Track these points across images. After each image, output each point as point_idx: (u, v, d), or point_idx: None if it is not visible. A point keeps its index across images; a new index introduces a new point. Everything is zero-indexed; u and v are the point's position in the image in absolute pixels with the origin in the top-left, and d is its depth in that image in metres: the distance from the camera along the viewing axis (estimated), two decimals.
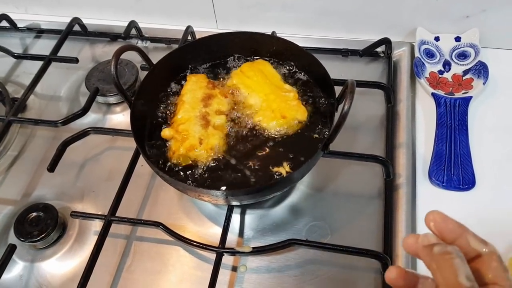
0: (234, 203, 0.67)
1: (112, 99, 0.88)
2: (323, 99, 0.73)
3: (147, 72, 0.73)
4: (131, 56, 0.90)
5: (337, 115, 0.62)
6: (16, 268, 0.70)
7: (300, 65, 0.76)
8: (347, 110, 0.57)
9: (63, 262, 0.70)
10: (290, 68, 0.77)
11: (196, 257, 0.69)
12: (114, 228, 0.70)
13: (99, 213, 0.72)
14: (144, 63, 0.75)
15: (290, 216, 0.72)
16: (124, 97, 0.68)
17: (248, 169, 0.65)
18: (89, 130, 0.77)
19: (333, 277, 0.66)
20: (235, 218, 0.72)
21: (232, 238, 0.70)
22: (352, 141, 0.78)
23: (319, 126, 0.70)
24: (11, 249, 0.67)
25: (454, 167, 0.73)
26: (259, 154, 0.67)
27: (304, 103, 0.72)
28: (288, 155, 0.67)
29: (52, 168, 0.73)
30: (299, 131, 0.69)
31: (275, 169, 0.64)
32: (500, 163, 0.74)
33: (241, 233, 0.71)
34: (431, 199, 0.72)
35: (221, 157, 0.66)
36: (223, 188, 0.63)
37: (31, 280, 0.69)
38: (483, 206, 0.71)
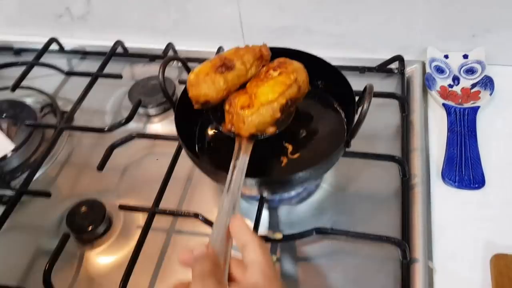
0: (265, 193, 0.73)
1: (152, 111, 0.97)
2: (345, 108, 0.80)
3: None
4: (169, 73, 1.00)
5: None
6: (67, 257, 0.76)
7: (323, 78, 0.84)
8: (366, 108, 0.64)
9: (110, 253, 0.77)
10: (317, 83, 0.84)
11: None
12: (156, 222, 0.76)
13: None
14: (181, 78, 0.84)
15: (314, 212, 0.78)
16: (169, 101, 0.76)
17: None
18: (134, 135, 0.87)
19: (356, 265, 0.71)
20: (264, 213, 0.78)
21: (262, 231, 0.76)
22: (371, 146, 0.85)
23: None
24: (65, 237, 0.74)
25: (465, 168, 0.80)
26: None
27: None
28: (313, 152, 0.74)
29: (101, 167, 0.82)
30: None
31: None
32: (507, 165, 0.81)
33: (270, 226, 0.77)
34: (445, 196, 0.78)
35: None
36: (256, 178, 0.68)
37: (81, 269, 0.75)
38: (492, 202, 0.76)
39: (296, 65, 0.72)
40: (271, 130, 0.69)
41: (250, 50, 0.72)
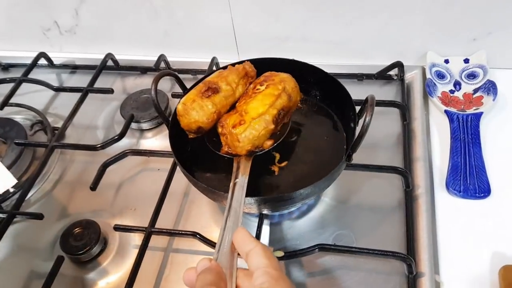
0: (265, 211, 0.71)
1: (145, 125, 0.95)
2: (344, 118, 0.78)
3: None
4: (162, 86, 0.98)
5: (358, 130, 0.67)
6: (63, 279, 0.74)
7: (320, 87, 0.82)
8: (368, 121, 0.62)
9: (106, 274, 0.74)
10: (313, 93, 0.83)
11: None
12: (152, 241, 0.74)
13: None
14: (174, 91, 0.82)
15: (316, 226, 0.76)
16: (162, 117, 0.74)
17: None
18: (127, 152, 0.84)
19: (359, 281, 0.69)
20: (265, 229, 0.76)
21: None
22: (372, 157, 0.83)
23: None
24: (60, 260, 0.72)
25: (469, 177, 0.78)
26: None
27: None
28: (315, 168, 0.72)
29: (94, 186, 0.79)
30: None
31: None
32: None
33: (271, 243, 0.75)
34: (450, 207, 0.76)
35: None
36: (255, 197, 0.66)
37: None
38: (499, 212, 0.74)
39: (283, 75, 0.72)
40: (268, 143, 0.68)
41: (233, 70, 0.73)
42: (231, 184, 0.63)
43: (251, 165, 0.67)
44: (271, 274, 0.48)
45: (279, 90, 0.69)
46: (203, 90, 0.69)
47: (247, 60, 0.77)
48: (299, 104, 0.80)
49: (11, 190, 0.63)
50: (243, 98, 0.71)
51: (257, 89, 0.70)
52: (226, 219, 0.57)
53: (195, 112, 0.68)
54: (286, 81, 0.71)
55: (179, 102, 0.70)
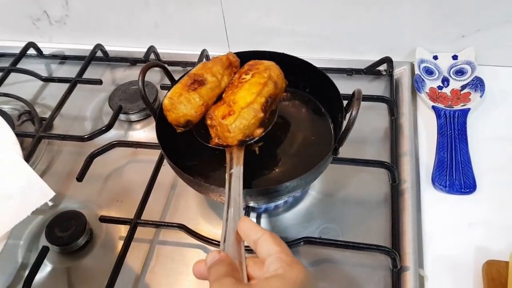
0: (251, 204, 0.71)
1: (133, 117, 0.94)
2: (332, 112, 0.79)
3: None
4: (151, 77, 0.98)
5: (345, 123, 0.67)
6: (47, 271, 0.74)
7: (308, 81, 0.82)
8: (355, 115, 0.62)
9: (91, 265, 0.74)
10: (302, 87, 0.83)
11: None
12: (138, 233, 0.74)
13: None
14: (164, 83, 0.81)
15: (303, 219, 0.76)
16: (150, 109, 0.73)
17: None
18: (115, 143, 0.83)
19: (345, 274, 0.70)
20: None
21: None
22: (359, 151, 0.83)
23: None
24: (44, 251, 0.71)
25: (455, 172, 0.78)
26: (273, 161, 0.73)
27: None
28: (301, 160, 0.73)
29: (80, 177, 0.79)
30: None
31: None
32: (498, 169, 0.79)
33: None
34: (435, 202, 0.76)
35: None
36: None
37: (61, 282, 0.73)
38: (484, 207, 0.75)
39: (267, 63, 0.72)
40: (258, 132, 0.68)
41: (217, 61, 0.72)
42: (227, 176, 0.62)
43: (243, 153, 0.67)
44: (284, 259, 0.47)
45: (265, 78, 0.68)
46: (189, 83, 0.68)
47: (237, 53, 0.76)
48: (287, 95, 0.81)
49: (50, 203, 0.62)
50: (229, 89, 0.70)
51: (243, 78, 0.70)
52: (227, 210, 0.56)
53: (183, 105, 0.67)
54: (271, 69, 0.71)
55: (165, 96, 0.69)
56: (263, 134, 0.69)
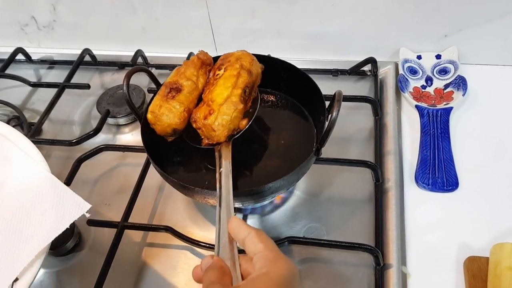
0: (236, 205, 0.72)
1: (121, 120, 0.95)
2: (315, 113, 0.79)
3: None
4: (139, 81, 0.98)
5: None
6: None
7: (292, 83, 0.82)
8: (335, 116, 0.63)
9: (79, 269, 0.75)
10: (285, 89, 0.83)
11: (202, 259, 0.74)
12: (126, 235, 0.75)
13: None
14: (151, 86, 0.82)
15: (288, 219, 0.77)
16: (135, 113, 0.74)
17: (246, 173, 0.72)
18: (102, 147, 0.84)
19: (329, 273, 0.70)
20: None
21: None
22: (343, 151, 0.85)
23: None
24: None
25: (438, 171, 0.79)
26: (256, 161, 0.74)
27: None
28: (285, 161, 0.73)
29: (68, 182, 0.79)
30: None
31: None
32: (480, 166, 0.80)
33: None
34: (418, 200, 0.77)
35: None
36: None
37: (49, 286, 0.74)
38: (466, 205, 0.76)
39: (237, 53, 0.73)
40: (243, 123, 0.69)
41: (189, 64, 0.73)
42: (217, 175, 0.63)
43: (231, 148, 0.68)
44: (267, 257, 0.49)
45: (237, 69, 0.69)
46: (167, 93, 0.69)
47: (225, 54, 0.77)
48: (271, 98, 0.82)
49: (87, 215, 0.63)
50: (206, 88, 0.71)
51: (217, 74, 0.71)
52: (220, 212, 0.57)
53: (165, 116, 0.68)
54: (241, 58, 0.71)
55: (147, 111, 0.70)
56: (250, 123, 0.69)
